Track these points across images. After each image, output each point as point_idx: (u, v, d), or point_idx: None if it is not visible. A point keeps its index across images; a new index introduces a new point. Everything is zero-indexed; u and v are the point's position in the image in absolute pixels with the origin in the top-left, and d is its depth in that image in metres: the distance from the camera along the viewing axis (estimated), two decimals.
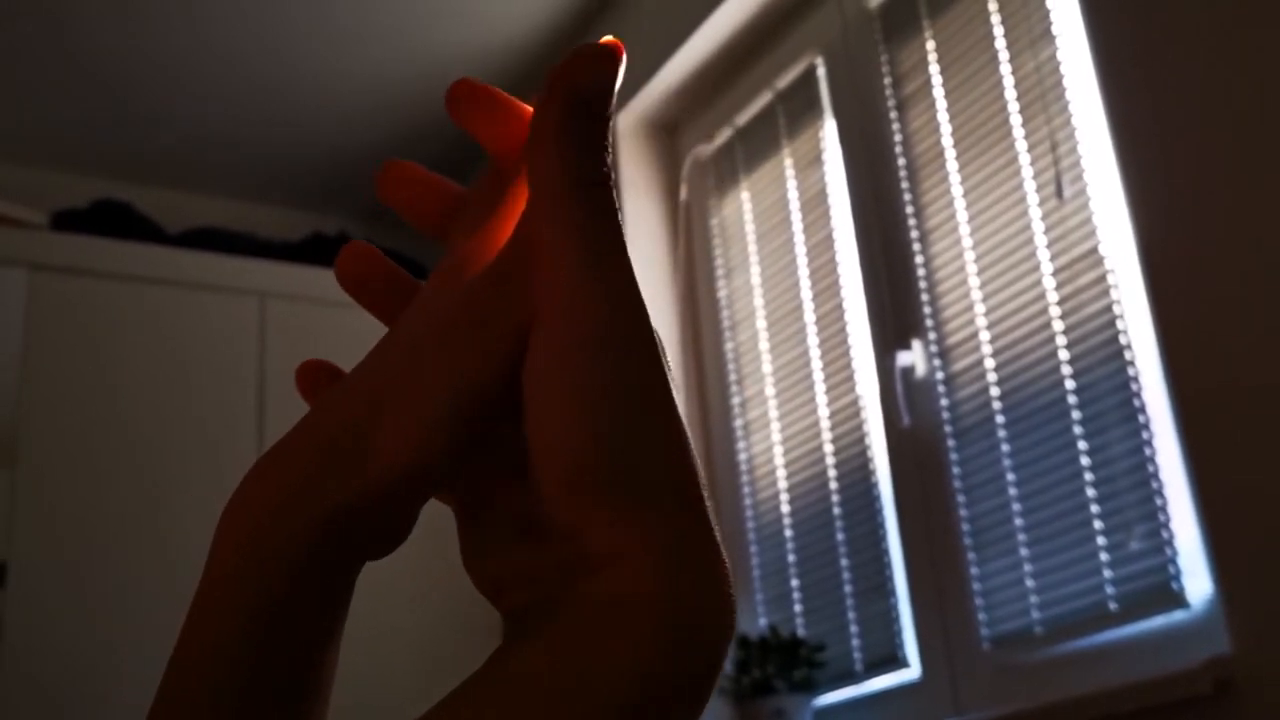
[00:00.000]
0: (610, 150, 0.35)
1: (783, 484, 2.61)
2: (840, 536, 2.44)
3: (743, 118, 2.86)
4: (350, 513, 0.34)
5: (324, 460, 0.34)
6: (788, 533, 2.57)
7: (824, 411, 2.52)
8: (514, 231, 0.36)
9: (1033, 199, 2.12)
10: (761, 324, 2.73)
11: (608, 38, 0.35)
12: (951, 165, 2.29)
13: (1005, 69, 2.21)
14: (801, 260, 2.64)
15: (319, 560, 0.34)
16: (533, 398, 0.34)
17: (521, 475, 0.35)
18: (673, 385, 0.34)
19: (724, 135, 2.91)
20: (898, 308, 2.37)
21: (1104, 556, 1.93)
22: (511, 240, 0.36)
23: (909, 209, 2.37)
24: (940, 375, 2.26)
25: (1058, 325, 2.05)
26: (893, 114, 2.44)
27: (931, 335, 2.29)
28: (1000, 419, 2.13)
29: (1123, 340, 1.94)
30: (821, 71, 2.65)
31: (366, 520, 0.34)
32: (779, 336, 2.68)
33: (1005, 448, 2.12)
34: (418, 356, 0.35)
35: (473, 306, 0.35)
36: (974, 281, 2.22)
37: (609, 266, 0.34)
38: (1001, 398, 2.14)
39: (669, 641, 0.31)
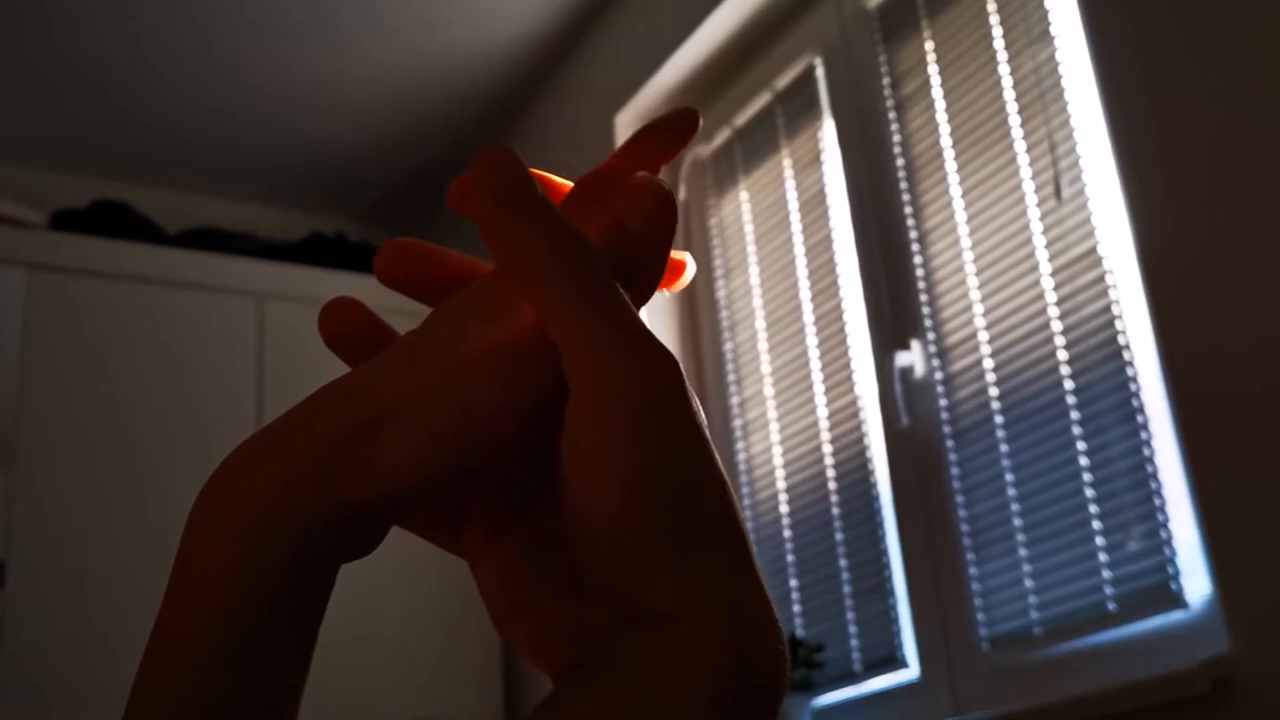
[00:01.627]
0: (549, 205, 0.35)
1: (781, 484, 2.61)
2: (839, 537, 2.44)
3: (741, 118, 2.86)
4: (340, 521, 0.34)
5: (321, 464, 0.33)
6: (786, 533, 2.57)
7: (823, 412, 2.52)
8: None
9: (1031, 199, 2.12)
10: (760, 324, 2.73)
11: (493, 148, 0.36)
12: (950, 166, 2.29)
13: (1004, 69, 2.21)
14: (800, 260, 2.64)
15: (304, 564, 0.33)
16: (578, 473, 0.33)
17: (557, 538, 0.35)
18: (709, 437, 0.34)
19: (723, 135, 2.91)
20: (896, 308, 2.37)
21: (1103, 557, 1.93)
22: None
23: (908, 209, 2.37)
24: (939, 376, 2.26)
25: (1056, 326, 2.05)
26: (891, 114, 2.44)
27: (930, 336, 2.29)
28: (999, 419, 2.13)
29: (1121, 340, 1.94)
30: (820, 72, 2.65)
31: (354, 529, 0.34)
32: (778, 337, 2.68)
33: (1004, 448, 2.12)
34: (433, 373, 0.34)
35: (499, 343, 0.35)
36: (973, 282, 2.22)
37: (636, 335, 0.33)
38: (1000, 398, 2.14)
39: (734, 697, 0.31)
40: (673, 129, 0.40)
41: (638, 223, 0.36)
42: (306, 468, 0.34)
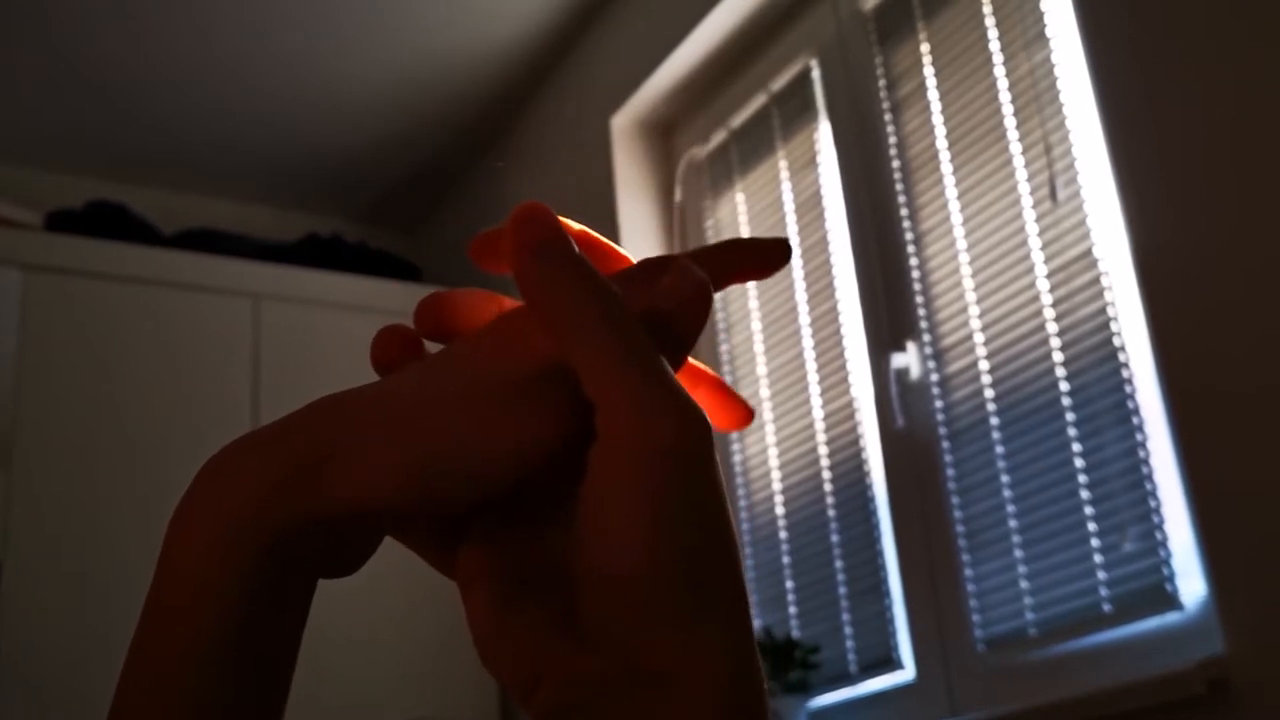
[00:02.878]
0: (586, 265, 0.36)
1: (777, 486, 2.61)
2: (835, 538, 2.45)
3: (737, 119, 2.86)
4: (304, 530, 0.34)
5: (286, 475, 0.34)
6: (782, 534, 2.58)
7: (819, 413, 2.52)
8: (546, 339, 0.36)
9: (1027, 201, 2.12)
10: (756, 326, 2.73)
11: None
12: (946, 167, 2.30)
13: (1000, 71, 2.21)
14: (796, 262, 2.64)
15: (275, 570, 0.34)
16: (595, 518, 0.34)
17: (555, 577, 0.36)
18: (726, 495, 0.35)
19: (719, 137, 2.91)
20: (892, 310, 2.37)
21: (1098, 558, 1.93)
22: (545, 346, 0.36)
23: (904, 211, 2.38)
24: (935, 377, 2.27)
25: (1052, 327, 2.05)
26: (887, 116, 2.44)
27: (926, 337, 2.29)
28: (995, 421, 2.14)
29: (1117, 342, 1.95)
30: (816, 74, 2.66)
31: (322, 541, 0.35)
32: (774, 338, 2.68)
33: (999, 449, 2.12)
34: (412, 404, 0.35)
35: (490, 386, 0.35)
36: (968, 284, 2.22)
37: (669, 391, 0.34)
38: (996, 399, 2.14)
39: None
40: (763, 255, 0.41)
41: (670, 302, 0.37)
42: (275, 477, 0.34)
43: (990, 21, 2.24)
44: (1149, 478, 1.88)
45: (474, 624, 0.37)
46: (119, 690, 0.35)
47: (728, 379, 2.81)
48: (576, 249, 0.36)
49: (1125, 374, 1.93)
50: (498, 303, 0.42)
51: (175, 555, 0.35)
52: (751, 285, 2.75)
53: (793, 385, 2.61)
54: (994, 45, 2.23)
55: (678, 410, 0.34)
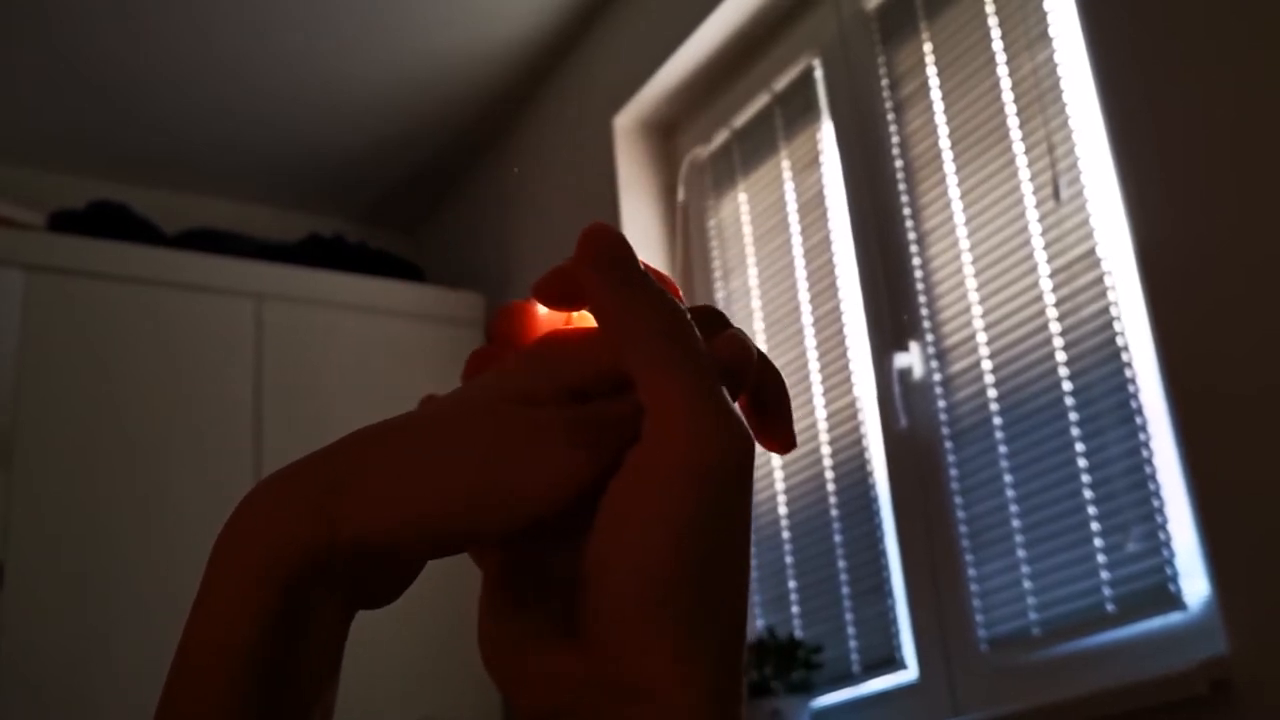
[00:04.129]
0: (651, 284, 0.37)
1: (780, 486, 2.61)
2: (838, 538, 2.44)
3: (740, 119, 2.86)
4: (330, 559, 0.35)
5: (301, 513, 0.35)
6: (785, 534, 2.57)
7: (821, 413, 2.52)
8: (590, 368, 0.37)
9: (1030, 201, 2.12)
10: (759, 326, 2.73)
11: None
12: (949, 167, 2.29)
13: (1003, 71, 2.21)
14: (799, 262, 2.64)
15: (300, 604, 0.34)
16: (618, 518, 0.34)
17: (563, 578, 0.36)
18: (751, 518, 0.35)
19: (721, 137, 2.91)
20: (895, 309, 2.37)
21: (1101, 558, 1.93)
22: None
23: (906, 211, 2.37)
24: (938, 377, 2.26)
25: (1055, 327, 2.05)
26: (890, 116, 2.44)
27: (929, 337, 2.29)
28: (997, 421, 2.13)
29: (1120, 342, 1.94)
30: (819, 73, 2.65)
31: (344, 576, 0.35)
32: (777, 338, 2.68)
33: (1002, 449, 2.12)
34: (423, 448, 0.36)
35: (503, 440, 0.35)
36: (971, 283, 2.22)
37: (721, 406, 0.35)
38: (999, 399, 2.14)
39: None
40: (774, 429, 0.42)
41: (724, 352, 0.38)
42: (298, 510, 0.35)
43: (993, 21, 2.24)
44: (1152, 477, 1.87)
45: (479, 622, 0.38)
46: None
47: None
48: (641, 264, 0.37)
49: (1128, 373, 1.93)
50: (565, 316, 0.42)
51: (209, 586, 0.36)
52: (754, 285, 2.75)
53: (795, 385, 2.60)
54: (997, 45, 2.22)
55: (727, 428, 0.34)
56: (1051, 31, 2.12)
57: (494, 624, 0.37)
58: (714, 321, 0.39)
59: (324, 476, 0.35)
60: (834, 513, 2.46)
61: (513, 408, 0.36)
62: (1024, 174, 2.14)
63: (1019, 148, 2.15)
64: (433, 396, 0.39)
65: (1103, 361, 1.97)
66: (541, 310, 0.41)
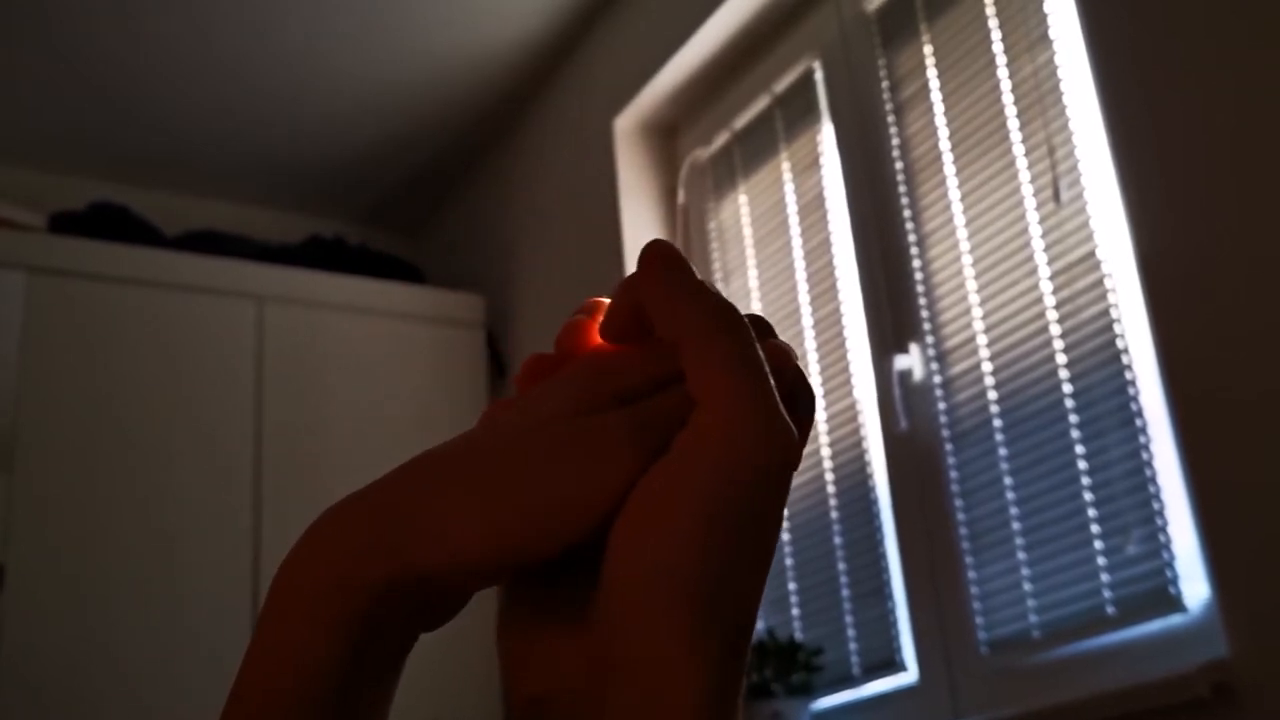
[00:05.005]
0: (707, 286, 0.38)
1: None
2: (838, 540, 2.44)
3: (740, 121, 2.86)
4: (398, 590, 0.35)
5: (381, 538, 0.35)
6: (785, 536, 2.57)
7: (821, 415, 2.52)
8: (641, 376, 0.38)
9: (1030, 203, 2.12)
10: None
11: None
12: (949, 169, 2.29)
13: (1003, 73, 2.21)
14: (799, 264, 2.64)
15: (372, 628, 0.35)
16: (660, 496, 0.34)
17: (582, 565, 0.36)
18: (782, 522, 0.36)
19: (722, 139, 2.91)
20: (895, 311, 2.37)
21: (1101, 560, 1.93)
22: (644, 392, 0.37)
23: (906, 213, 2.37)
24: (938, 379, 2.26)
25: (1055, 329, 2.05)
26: (890, 118, 2.44)
27: (929, 339, 2.29)
28: (998, 423, 2.13)
29: (1120, 344, 1.94)
30: (819, 75, 2.65)
31: (417, 598, 0.36)
32: None
33: (1003, 451, 2.12)
34: (505, 470, 0.36)
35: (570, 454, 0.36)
36: (971, 285, 2.22)
37: (774, 408, 0.35)
38: (999, 401, 2.14)
39: None
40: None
41: (773, 358, 0.38)
42: (366, 543, 0.35)
43: (993, 23, 2.24)
44: (1152, 480, 1.87)
45: (501, 621, 0.39)
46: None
47: None
48: (698, 276, 0.38)
49: (1128, 376, 1.93)
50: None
51: (274, 621, 0.36)
52: (754, 286, 2.75)
53: None
54: (997, 47, 2.22)
55: (778, 429, 0.35)
56: (1052, 34, 2.12)
57: (508, 604, 0.38)
58: (762, 330, 0.39)
59: (393, 511, 0.36)
60: (834, 515, 2.46)
61: (574, 420, 0.36)
62: (1024, 176, 2.14)
63: (1019, 150, 2.15)
64: (493, 410, 0.40)
65: (1103, 364, 1.97)
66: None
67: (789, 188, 2.70)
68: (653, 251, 0.38)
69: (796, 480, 2.55)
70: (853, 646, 2.37)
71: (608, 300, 0.40)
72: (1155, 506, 1.86)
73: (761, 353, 0.36)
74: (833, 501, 2.47)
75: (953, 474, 2.20)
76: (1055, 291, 2.06)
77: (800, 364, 0.39)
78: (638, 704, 0.33)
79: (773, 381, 0.36)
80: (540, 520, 0.35)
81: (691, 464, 0.34)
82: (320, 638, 0.34)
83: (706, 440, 0.35)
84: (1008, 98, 2.19)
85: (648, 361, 0.38)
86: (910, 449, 2.30)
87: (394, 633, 0.36)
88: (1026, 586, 2.04)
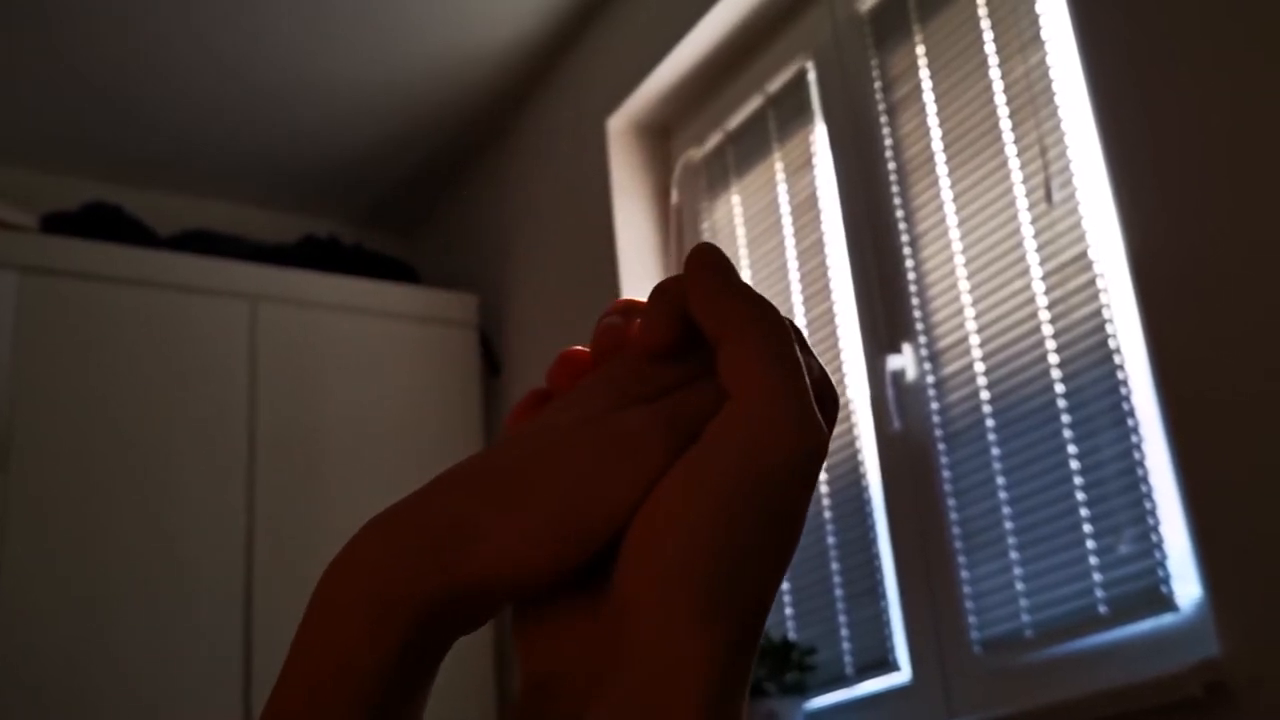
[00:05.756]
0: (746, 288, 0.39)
1: None
2: (831, 540, 2.45)
3: (734, 121, 2.87)
4: (449, 601, 0.36)
5: (432, 549, 0.35)
6: None
7: None
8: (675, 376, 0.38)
9: (1022, 203, 2.12)
10: None
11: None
12: (941, 169, 2.30)
13: (995, 74, 2.21)
14: (792, 264, 2.64)
15: (420, 636, 0.36)
16: (687, 483, 0.35)
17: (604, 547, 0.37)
18: (805, 515, 0.36)
19: (715, 139, 2.91)
20: (888, 311, 2.37)
21: (1094, 560, 1.94)
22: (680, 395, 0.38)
23: (899, 213, 2.38)
24: (930, 379, 2.27)
25: (1047, 329, 2.05)
26: (883, 118, 2.44)
27: (922, 339, 2.30)
28: (990, 423, 2.14)
29: (1112, 344, 1.95)
30: (812, 76, 2.66)
31: (466, 608, 0.36)
32: None
33: (995, 451, 2.12)
34: (549, 476, 0.36)
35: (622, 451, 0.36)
36: (964, 285, 2.22)
37: (808, 403, 0.36)
38: (991, 401, 2.14)
39: None
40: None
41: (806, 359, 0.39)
42: (421, 556, 0.35)
43: (986, 24, 2.24)
44: (1144, 479, 1.88)
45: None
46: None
47: None
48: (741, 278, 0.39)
49: (1120, 376, 1.93)
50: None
51: (321, 626, 0.36)
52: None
53: None
54: (989, 48, 2.23)
55: (806, 418, 0.35)
56: (1044, 34, 2.12)
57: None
58: (796, 335, 0.40)
59: (440, 527, 0.36)
60: (827, 515, 2.46)
61: (606, 419, 0.37)
62: (1016, 176, 2.14)
63: (1011, 150, 2.16)
64: (522, 412, 0.40)
65: (1095, 364, 1.97)
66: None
67: (782, 188, 2.70)
68: (702, 251, 0.39)
69: None
70: (846, 646, 2.38)
71: (641, 300, 0.41)
72: (1147, 506, 1.87)
73: (798, 352, 0.37)
74: (826, 501, 2.47)
75: (945, 474, 2.21)
76: (1047, 292, 2.06)
77: (820, 368, 0.40)
78: (644, 685, 0.33)
79: (807, 379, 0.36)
80: (583, 525, 0.35)
81: (720, 448, 0.35)
82: (369, 652, 0.35)
83: (737, 426, 0.35)
84: (1000, 98, 2.19)
85: (679, 361, 0.38)
86: (903, 449, 2.30)
87: (436, 641, 0.36)
88: (1019, 586, 2.05)
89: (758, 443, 0.35)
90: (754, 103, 2.81)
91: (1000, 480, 2.10)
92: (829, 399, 0.38)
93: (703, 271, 0.38)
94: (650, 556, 0.34)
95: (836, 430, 2.44)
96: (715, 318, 0.37)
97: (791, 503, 0.35)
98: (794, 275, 2.63)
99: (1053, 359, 2.04)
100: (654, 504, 0.35)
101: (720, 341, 0.37)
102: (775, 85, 2.75)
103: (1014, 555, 2.06)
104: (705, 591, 0.33)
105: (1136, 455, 1.89)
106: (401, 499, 0.37)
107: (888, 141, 2.43)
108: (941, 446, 2.22)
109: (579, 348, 0.41)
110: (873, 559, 2.35)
